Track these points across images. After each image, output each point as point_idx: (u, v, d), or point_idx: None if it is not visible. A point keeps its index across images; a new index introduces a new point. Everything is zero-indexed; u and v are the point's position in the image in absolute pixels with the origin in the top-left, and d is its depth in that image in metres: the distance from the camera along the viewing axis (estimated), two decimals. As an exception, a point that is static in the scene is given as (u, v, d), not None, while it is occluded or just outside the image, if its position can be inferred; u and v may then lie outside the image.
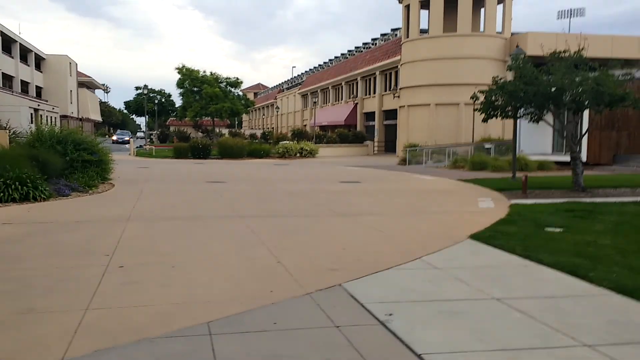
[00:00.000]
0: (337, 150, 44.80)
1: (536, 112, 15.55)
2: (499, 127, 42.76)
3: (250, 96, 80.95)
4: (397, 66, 48.08)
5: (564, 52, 14.52)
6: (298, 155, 38.36)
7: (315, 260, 7.13)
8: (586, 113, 26.59)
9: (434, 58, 42.34)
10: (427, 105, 42.87)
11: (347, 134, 47.64)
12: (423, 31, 45.49)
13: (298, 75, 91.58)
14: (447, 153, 32.66)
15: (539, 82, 14.20)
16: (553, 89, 14.12)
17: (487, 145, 35.66)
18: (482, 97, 16.17)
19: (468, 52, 41.64)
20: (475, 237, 8.55)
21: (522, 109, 15.42)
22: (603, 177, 20.25)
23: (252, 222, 10.16)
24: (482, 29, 44.01)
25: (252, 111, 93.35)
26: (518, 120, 30.30)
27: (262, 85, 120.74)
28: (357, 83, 57.96)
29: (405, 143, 41.72)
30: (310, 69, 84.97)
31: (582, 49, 14.44)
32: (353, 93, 59.32)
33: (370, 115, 55.16)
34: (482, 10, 43.60)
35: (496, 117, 16.35)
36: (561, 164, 26.87)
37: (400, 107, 45.82)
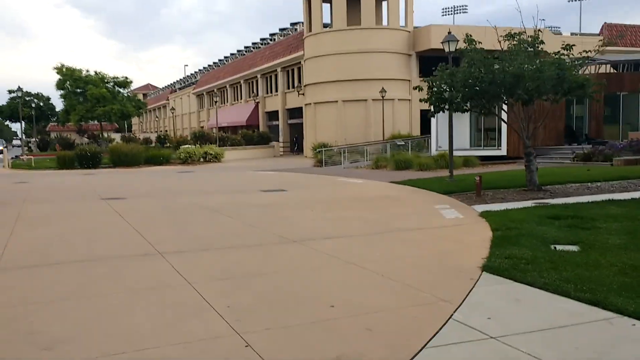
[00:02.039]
0: (243, 153, 41.96)
1: (486, 104, 13.93)
2: (406, 123, 42.03)
3: (140, 97, 75.55)
4: (300, 62, 46.03)
5: (519, 34, 12.93)
6: (202, 160, 35.12)
7: (303, 337, 4.64)
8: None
9: (339, 52, 40.70)
10: (334, 102, 41.16)
11: (251, 135, 44.90)
12: (325, 25, 43.79)
13: (191, 74, 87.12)
14: (364, 152, 31.00)
15: (493, 69, 12.52)
16: (508, 78, 12.48)
17: (399, 143, 34.52)
18: (426, 89, 14.23)
19: (373, 46, 40.41)
20: (490, 269, 6.45)
21: (471, 101, 13.71)
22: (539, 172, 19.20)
23: (177, 262, 7.43)
24: (385, 22, 43.05)
25: (143, 113, 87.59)
26: (435, 116, 29.51)
27: (151, 85, 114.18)
28: (257, 81, 55.25)
29: (314, 143, 39.78)
30: (204, 67, 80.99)
31: (539, 30, 12.94)
32: (253, 91, 56.53)
33: (273, 115, 52.70)
34: (385, 3, 42.62)
35: (443, 111, 14.56)
36: (483, 159, 26.04)
37: (305, 104, 43.80)
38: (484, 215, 10.58)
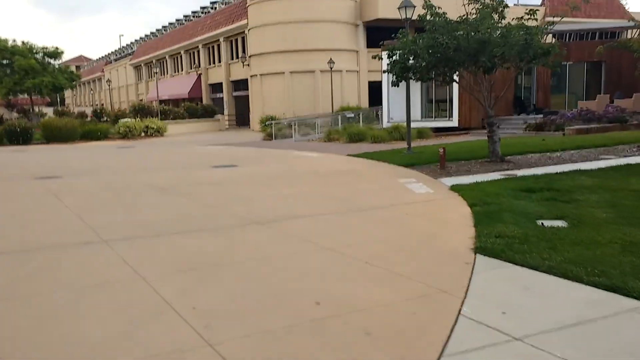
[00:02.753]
0: (187, 127, 40.30)
1: (448, 73, 13.32)
2: (355, 95, 41.42)
3: (73, 70, 71.65)
4: (244, 31, 44.41)
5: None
6: (143, 134, 33.36)
7: (291, 347, 3.85)
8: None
9: (284, 22, 39.40)
10: (281, 74, 39.99)
11: (195, 108, 43.20)
12: (270, -6, 42.22)
13: (128, 44, 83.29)
14: (314, 125, 30.15)
15: (457, 35, 11.85)
16: (474, 44, 11.86)
17: (348, 115, 33.81)
18: (386, 58, 13.44)
19: (320, 15, 39.31)
20: (484, 251, 5.83)
21: (434, 70, 13.05)
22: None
23: (127, 252, 6.46)
24: (332, -10, 41.89)
25: (77, 86, 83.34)
26: (385, 84, 28.89)
27: (84, 57, 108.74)
28: (199, 51, 53.14)
29: (262, 115, 38.62)
30: (142, 37, 77.51)
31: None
32: (195, 63, 54.40)
33: (217, 87, 50.91)
34: (331, -29, 41.40)
35: (406, 81, 13.84)
36: (435, 130, 25.71)
37: (251, 76, 42.41)
38: (455, 189, 10.01)
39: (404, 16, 16.89)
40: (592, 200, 8.25)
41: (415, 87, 29.52)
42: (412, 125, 25.26)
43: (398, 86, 13.97)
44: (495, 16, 12.23)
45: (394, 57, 12.91)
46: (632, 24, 21.78)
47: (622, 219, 7.04)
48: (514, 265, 5.30)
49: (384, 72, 13.86)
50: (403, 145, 20.32)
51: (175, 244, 6.82)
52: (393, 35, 13.91)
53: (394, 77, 13.35)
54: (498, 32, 11.96)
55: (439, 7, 12.67)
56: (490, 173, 12.10)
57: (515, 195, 9.02)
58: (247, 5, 42.63)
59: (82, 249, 6.67)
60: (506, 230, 6.52)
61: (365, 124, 29.39)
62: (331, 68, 37.10)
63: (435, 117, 27.85)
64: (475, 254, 5.77)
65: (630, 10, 49.08)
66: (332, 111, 36.49)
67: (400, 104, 28.73)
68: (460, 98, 26.19)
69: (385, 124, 27.59)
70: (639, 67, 17.66)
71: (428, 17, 12.56)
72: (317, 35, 39.30)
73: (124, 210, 9.33)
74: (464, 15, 12.49)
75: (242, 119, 47.42)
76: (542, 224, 6.93)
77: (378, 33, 41.29)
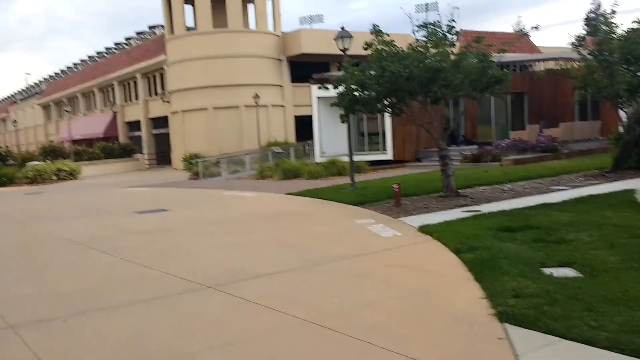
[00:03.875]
0: (104, 168, 37.58)
1: (397, 104, 12.43)
2: (281, 130, 40.35)
3: (-25, 110, 66.36)
4: (162, 67, 42.51)
5: (433, 24, 11.52)
6: (55, 178, 30.49)
7: None
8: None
9: (206, 57, 37.96)
10: (204, 110, 38.31)
11: (112, 147, 40.54)
12: (189, 28, 40.79)
13: (35, 83, 78.57)
14: (243, 162, 28.67)
15: (409, 63, 10.99)
16: (426, 72, 11.05)
17: (276, 150, 32.62)
18: (336, 88, 12.34)
19: (242, 50, 38.23)
20: (511, 318, 4.69)
21: (384, 101, 12.09)
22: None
23: (40, 344, 4.83)
24: (253, 26, 41.01)
25: (-22, 128, 77.40)
26: (317, 118, 28.04)
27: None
28: (114, 88, 50.47)
29: (184, 153, 36.71)
30: (50, 76, 73.36)
31: (453, 20, 11.64)
32: (110, 100, 51.58)
33: (134, 125, 48.30)
34: (252, 6, 40.65)
35: (353, 114, 12.80)
36: (371, 164, 24.94)
37: (172, 113, 40.43)
38: (425, 230, 8.94)
39: (341, 47, 16.03)
40: (585, 240, 7.39)
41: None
42: (346, 158, 24.53)
43: (347, 120, 12.94)
44: (447, 43, 11.52)
45: (340, 89, 11.87)
46: (543, 56, 22.31)
47: (633, 261, 6.17)
48: (562, 339, 4.18)
49: (334, 103, 12.72)
50: (343, 180, 19.33)
51: (106, 327, 5.22)
52: (343, 66, 12.86)
53: (343, 110, 12.29)
54: (449, 60, 11.22)
55: (386, 34, 11.83)
56: (451, 210, 11.18)
57: (496, 236, 8.05)
58: (165, 40, 40.94)
59: (-23, 341, 4.95)
60: (519, 286, 5.44)
61: (297, 159, 28.28)
62: (257, 103, 35.89)
63: (368, 151, 27.18)
64: (501, 322, 4.61)
65: (537, 45, 51.61)
66: (259, 147, 35.17)
67: (332, 138, 27.99)
68: (394, 131, 25.71)
69: (318, 158, 26.61)
70: (575, 95, 17.68)
71: (376, 45, 11.66)
72: (241, 70, 38.13)
73: (34, 277, 7.54)
74: (412, 43, 11.69)
75: (163, 157, 45.06)
76: (551, 273, 5.92)
77: (302, 68, 40.74)
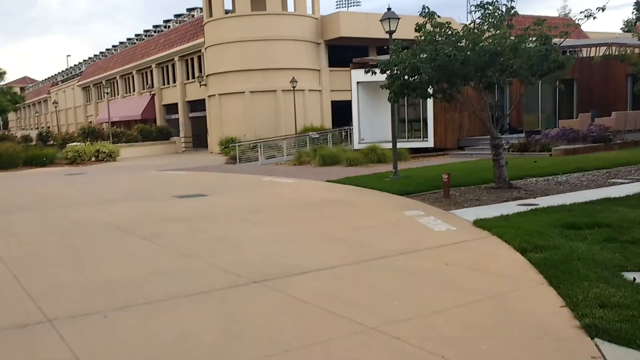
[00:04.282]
0: (141, 150, 37.76)
1: (448, 89, 11.79)
2: (318, 115, 39.81)
3: (17, 91, 67.71)
4: (200, 50, 42.36)
5: (492, 3, 10.79)
6: (94, 159, 30.72)
7: None
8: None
9: (244, 40, 37.57)
10: (241, 94, 38.02)
11: (150, 130, 40.70)
12: (227, 11, 40.44)
13: (75, 65, 79.68)
14: (279, 147, 28.32)
15: (465, 46, 10.34)
16: (483, 56, 10.37)
17: (314, 136, 32.15)
18: (383, 72, 11.74)
19: (280, 34, 37.70)
20: (603, 333, 4.12)
21: (436, 85, 11.47)
22: (483, 165, 17.56)
23: (79, 341, 4.49)
24: (291, 9, 40.42)
25: (21, 109, 79.02)
26: (356, 104, 27.42)
27: (29, 78, 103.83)
28: (152, 71, 50.64)
29: (221, 137, 36.58)
30: (90, 58, 74.20)
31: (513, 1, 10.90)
32: (148, 83, 51.82)
33: (172, 108, 48.46)
34: (290, -12, 40.05)
35: (403, 98, 12.20)
36: (411, 151, 24.26)
37: (209, 96, 40.30)
38: (481, 225, 8.37)
39: (387, 29, 15.38)
40: (665, 242, 6.72)
41: (386, 106, 28.10)
42: (386, 146, 23.89)
43: (397, 102, 12.32)
44: (506, 25, 10.81)
45: (394, 72, 11.26)
46: (594, 41, 21.14)
47: None
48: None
49: (383, 85, 12.04)
50: (383, 168, 18.78)
51: (149, 325, 4.86)
52: (391, 47, 12.25)
53: (392, 94, 11.70)
54: (509, 42, 10.50)
55: (438, 16, 11.16)
56: (505, 203, 10.56)
57: (562, 233, 7.44)
58: (203, 23, 40.69)
59: (13, 339, 4.64)
60: (603, 294, 4.87)
61: (334, 145, 27.78)
62: (294, 87, 35.43)
63: (408, 138, 26.48)
64: (591, 337, 4.06)
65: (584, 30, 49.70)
66: (296, 132, 34.75)
67: (371, 124, 27.39)
68: (436, 118, 24.95)
69: (357, 144, 26.07)
70: (629, 81, 16.67)
71: (428, 27, 11.02)
72: (279, 53, 37.66)
73: (75, 264, 7.27)
74: (467, 25, 10.99)
75: (199, 140, 45.13)
76: (635, 279, 5.33)
77: (340, 52, 40.00)
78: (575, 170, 15.02)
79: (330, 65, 40.20)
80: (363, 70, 26.90)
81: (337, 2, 51.60)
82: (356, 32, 38.19)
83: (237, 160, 26.27)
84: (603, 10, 10.83)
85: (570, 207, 9.47)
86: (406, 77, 10.96)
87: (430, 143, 24.86)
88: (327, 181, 15.75)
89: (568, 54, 11.42)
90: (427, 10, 11.21)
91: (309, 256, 7.16)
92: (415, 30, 11.27)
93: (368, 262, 6.67)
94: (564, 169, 15.29)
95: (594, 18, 10.76)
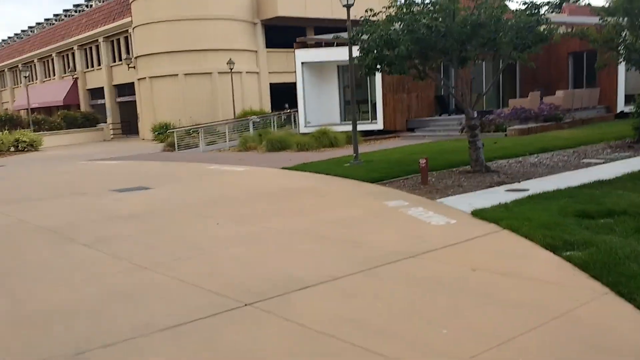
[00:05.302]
0: (66, 138, 34.95)
1: (419, 65, 10.74)
2: (256, 98, 38.21)
3: None
4: (127, 30, 39.67)
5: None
6: (13, 149, 27.93)
7: None
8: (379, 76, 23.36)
9: (175, 19, 35.31)
10: (174, 76, 35.83)
11: (75, 116, 37.78)
12: (155, -12, 37.89)
13: (-14, 48, 73.62)
14: (219, 132, 26.64)
15: (451, 16, 9.29)
16: (467, 28, 9.37)
17: (255, 120, 30.64)
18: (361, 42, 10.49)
19: (215, 12, 35.70)
20: None
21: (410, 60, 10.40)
22: (445, 146, 16.80)
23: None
24: (226, -13, 38.37)
25: None
26: (301, 86, 26.09)
27: None
28: (74, 54, 47.18)
29: (153, 123, 34.40)
30: (3, 40, 68.79)
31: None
32: (69, 66, 48.28)
33: (97, 92, 45.33)
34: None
35: (375, 73, 11.02)
36: (362, 134, 23.27)
37: (139, 79, 37.80)
38: (483, 217, 7.41)
39: (344, 3, 14.13)
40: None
41: (333, 88, 27.08)
42: (336, 128, 22.80)
43: (371, 75, 11.13)
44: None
45: (365, 45, 10.09)
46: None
47: None
48: None
49: (355, 58, 10.82)
50: (338, 153, 17.73)
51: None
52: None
53: (365, 69, 10.54)
54: (496, 11, 9.55)
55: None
56: (491, 189, 9.69)
57: (581, 224, 6.58)
58: (130, 1, 37.99)
59: None
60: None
61: (278, 129, 26.42)
62: (231, 69, 33.64)
63: (357, 120, 25.47)
64: None
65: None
66: (234, 116, 33.07)
67: (317, 107, 26.20)
68: (384, 99, 24.08)
69: (303, 128, 24.81)
70: (598, 59, 16.34)
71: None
72: (214, 33, 35.65)
73: (2, 289, 5.71)
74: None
75: (129, 127, 42.48)
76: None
77: (277, 32, 38.45)
78: (539, 151, 14.48)
79: (267, 47, 38.61)
80: (307, 49, 25.83)
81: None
82: (294, 12, 36.73)
83: (176, 147, 24.45)
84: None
85: (566, 192, 8.68)
86: (381, 50, 9.81)
87: (379, 125, 23.98)
88: (283, 168, 14.48)
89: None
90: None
91: (299, 262, 5.94)
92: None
93: (375, 269, 5.52)
94: (528, 149, 14.72)
95: None
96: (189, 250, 6.69)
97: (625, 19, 13.96)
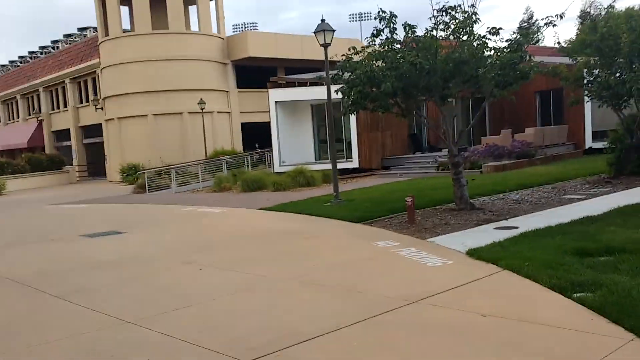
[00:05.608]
0: (31, 182, 33.90)
1: (401, 103, 10.64)
2: (227, 138, 37.90)
3: None
4: (95, 71, 39.20)
5: (454, 8, 9.78)
6: (-25, 194, 26.88)
7: None
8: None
9: (145, 60, 35.04)
10: (143, 117, 35.31)
11: (40, 159, 36.77)
12: (125, 31, 37.75)
13: (-53, 90, 71.83)
14: (192, 173, 26.15)
15: (434, 53, 9.23)
16: (450, 65, 9.33)
17: (228, 159, 30.25)
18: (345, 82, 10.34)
19: (185, 53, 35.60)
20: None
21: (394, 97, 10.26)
22: (425, 184, 16.70)
23: None
24: (195, 28, 38.47)
25: None
26: (275, 124, 25.91)
27: None
28: (39, 95, 46.34)
29: (122, 164, 33.72)
30: (-35, 82, 67.17)
31: (474, 6, 9.96)
32: (34, 108, 47.30)
33: (63, 134, 44.36)
34: (194, 8, 38.17)
35: (358, 110, 10.78)
36: (339, 172, 23.05)
37: (107, 120, 37.17)
38: (480, 256, 7.18)
39: (322, 42, 14.10)
40: None
41: (307, 127, 27.00)
42: (313, 167, 22.55)
43: (353, 113, 10.94)
44: (473, 31, 9.86)
45: (350, 80, 9.92)
46: None
47: None
48: None
49: (340, 90, 10.59)
50: (316, 192, 17.46)
51: None
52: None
53: (349, 105, 10.36)
54: (479, 49, 9.55)
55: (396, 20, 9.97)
56: (480, 227, 9.52)
57: (583, 263, 6.39)
58: (98, 42, 37.66)
59: None
60: None
61: (253, 169, 26.09)
62: (202, 109, 33.33)
63: (330, 159, 25.34)
64: None
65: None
66: (206, 156, 32.62)
67: (291, 145, 26.01)
68: (359, 137, 24.06)
69: (278, 167, 24.54)
70: (570, 97, 16.64)
71: (386, 33, 9.85)
72: (183, 74, 35.44)
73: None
74: (429, 30, 9.92)
75: (96, 169, 41.52)
76: None
77: (248, 72, 38.50)
78: (518, 187, 14.50)
79: (239, 86, 38.58)
80: (281, 89, 25.79)
81: (233, 26, 50.16)
82: (265, 52, 36.91)
83: (147, 188, 23.83)
84: (562, 17, 10.26)
85: (558, 229, 8.55)
86: (364, 87, 9.67)
87: (355, 163, 23.88)
88: (261, 209, 14.13)
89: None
90: (385, 13, 10.00)
91: (297, 312, 5.57)
92: (373, 36, 10.02)
93: (377, 318, 5.19)
94: (507, 186, 14.73)
95: (554, 25, 10.14)
96: (175, 301, 6.25)
97: (597, 57, 14.25)
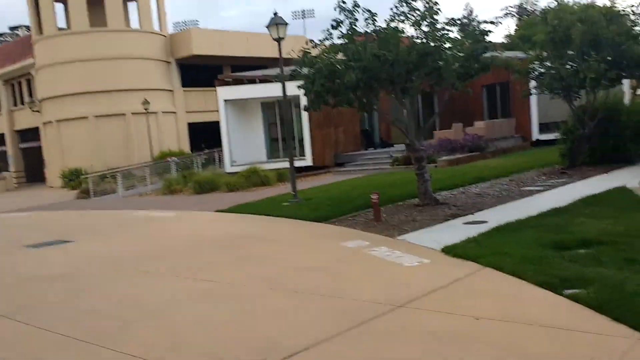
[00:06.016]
0: (-37, 190, 31.89)
1: (362, 97, 10.31)
2: (174, 139, 36.82)
3: None
4: (29, 72, 37.33)
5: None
6: None
7: None
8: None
9: (83, 59, 33.57)
10: (84, 119, 33.85)
11: (-28, 165, 34.63)
12: (61, 29, 36.09)
13: None
14: (138, 176, 25.13)
15: (397, 44, 8.93)
16: (414, 56, 9.05)
17: (176, 160, 29.29)
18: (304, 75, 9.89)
19: (126, 51, 34.36)
20: None
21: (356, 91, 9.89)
22: (377, 180, 16.48)
23: None
24: (135, 25, 37.18)
25: None
26: (225, 124, 25.19)
27: None
28: (-31, 98, 43.74)
29: (63, 169, 32.27)
30: None
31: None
32: (-36, 112, 44.63)
33: (-3, 139, 42.12)
34: (133, 5, 36.91)
35: (319, 106, 10.36)
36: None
37: (44, 123, 35.45)
38: (455, 254, 6.93)
39: (275, 36, 13.63)
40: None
41: (257, 125, 26.38)
42: (267, 166, 21.99)
43: (316, 110, 10.53)
44: (436, 20, 9.61)
45: (310, 72, 9.51)
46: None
47: None
48: None
49: (301, 86, 10.12)
50: (272, 191, 16.99)
51: None
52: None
53: (312, 101, 9.94)
54: (445, 40, 9.33)
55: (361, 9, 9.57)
56: (447, 222, 9.32)
57: (564, 257, 6.23)
58: (32, 42, 35.83)
59: None
60: None
61: (203, 170, 25.31)
62: (146, 109, 32.19)
63: (282, 157, 24.88)
64: None
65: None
66: (152, 158, 31.52)
67: (242, 145, 25.36)
68: (312, 135, 23.69)
69: (229, 167, 23.87)
70: (524, 89, 16.80)
71: (346, 24, 9.48)
72: (125, 73, 34.15)
73: None
74: (391, 20, 9.61)
75: (34, 174, 39.56)
76: None
77: (193, 71, 37.50)
78: (476, 180, 14.49)
79: (184, 86, 37.55)
80: (229, 86, 25.10)
81: (174, 23, 48.79)
82: (210, 50, 36.05)
83: (91, 194, 22.68)
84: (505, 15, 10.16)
85: (528, 222, 8.42)
86: (325, 80, 9.28)
87: (308, 161, 23.50)
88: (217, 211, 13.55)
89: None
90: (345, 4, 9.61)
91: (274, 322, 5.13)
92: (332, 28, 9.63)
93: (362, 327, 4.82)
94: (465, 179, 14.69)
95: (497, 25, 10.04)
96: (136, 314, 5.69)
97: (549, 51, 14.37)
